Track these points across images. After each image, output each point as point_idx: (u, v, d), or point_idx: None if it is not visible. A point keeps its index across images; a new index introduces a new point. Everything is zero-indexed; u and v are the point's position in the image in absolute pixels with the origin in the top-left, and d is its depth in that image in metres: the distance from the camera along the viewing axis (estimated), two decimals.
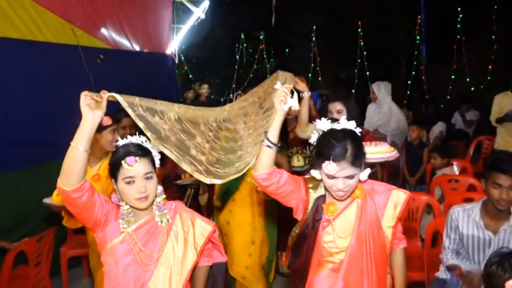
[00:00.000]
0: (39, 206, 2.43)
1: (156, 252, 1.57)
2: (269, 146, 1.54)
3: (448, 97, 8.26)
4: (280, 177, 1.60)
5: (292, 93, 1.57)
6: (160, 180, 1.66)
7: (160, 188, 1.62)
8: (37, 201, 2.47)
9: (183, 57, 6.56)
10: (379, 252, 1.61)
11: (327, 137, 1.57)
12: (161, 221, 1.60)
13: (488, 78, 7.78)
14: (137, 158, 1.52)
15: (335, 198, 1.61)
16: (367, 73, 8.47)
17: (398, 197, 1.63)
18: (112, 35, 4.13)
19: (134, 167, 1.51)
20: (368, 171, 1.59)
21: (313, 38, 8.64)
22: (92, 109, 1.39)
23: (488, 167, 2.04)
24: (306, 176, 1.72)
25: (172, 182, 3.27)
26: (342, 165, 1.49)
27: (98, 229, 1.55)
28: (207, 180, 1.58)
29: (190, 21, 5.50)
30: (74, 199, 1.43)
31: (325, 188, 1.64)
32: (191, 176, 2.94)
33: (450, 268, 2.17)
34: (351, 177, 1.53)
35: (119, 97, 1.44)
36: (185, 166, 1.53)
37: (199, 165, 1.61)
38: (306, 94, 2.60)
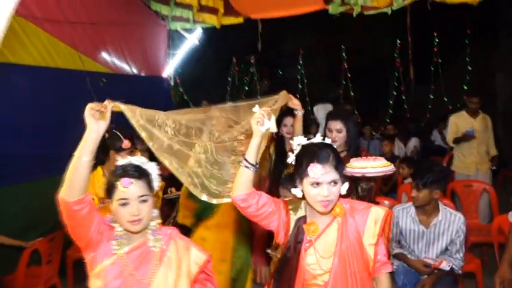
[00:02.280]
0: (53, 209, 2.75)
1: (147, 278, 1.51)
2: (247, 167, 1.54)
3: (428, 115, 8.76)
4: (259, 199, 1.58)
5: (269, 116, 1.59)
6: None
7: (156, 212, 1.58)
8: (47, 208, 2.77)
9: (178, 80, 7.01)
10: (363, 271, 1.58)
11: (308, 147, 1.60)
12: (154, 246, 1.55)
13: (465, 97, 8.27)
14: (132, 180, 1.49)
15: (318, 212, 1.59)
16: (351, 93, 8.94)
17: (377, 214, 1.62)
18: (113, 60, 4.58)
19: (129, 189, 1.48)
20: (347, 185, 1.59)
21: (300, 61, 9.13)
22: (96, 120, 1.40)
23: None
24: (286, 199, 1.73)
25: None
26: (326, 168, 1.51)
27: (90, 249, 1.50)
28: (202, 196, 1.61)
29: (185, 47, 5.97)
30: (74, 212, 1.41)
31: (307, 206, 1.64)
32: (177, 190, 3.11)
33: (396, 256, 2.60)
34: (334, 183, 1.53)
35: (123, 106, 1.48)
36: (183, 178, 1.56)
37: (196, 177, 1.65)
38: (300, 112, 2.56)
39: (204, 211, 2.90)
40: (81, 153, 1.39)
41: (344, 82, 9.45)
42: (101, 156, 2.72)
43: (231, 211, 2.82)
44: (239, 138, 2.05)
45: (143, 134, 1.52)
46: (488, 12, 7.84)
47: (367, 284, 1.59)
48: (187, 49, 5.99)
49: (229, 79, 9.28)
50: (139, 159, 1.58)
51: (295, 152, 1.63)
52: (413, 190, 2.53)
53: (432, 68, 8.89)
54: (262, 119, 1.56)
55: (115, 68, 4.57)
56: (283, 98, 2.24)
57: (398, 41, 9.46)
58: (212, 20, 4.91)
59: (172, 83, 6.00)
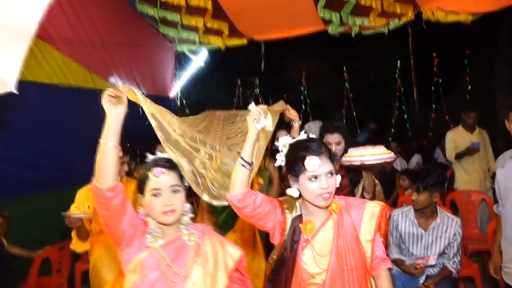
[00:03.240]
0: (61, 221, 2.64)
1: (185, 270, 1.48)
2: (243, 165, 1.52)
3: (430, 134, 8.88)
4: (255, 198, 1.57)
5: (266, 114, 1.58)
6: None
7: (188, 206, 1.56)
8: (56, 219, 2.73)
9: (184, 100, 7.22)
10: (360, 269, 1.56)
11: (298, 143, 1.60)
12: (189, 240, 1.53)
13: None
14: (164, 170, 1.49)
15: (318, 207, 1.57)
16: (354, 114, 9.11)
17: (373, 209, 1.60)
18: (123, 80, 4.79)
19: (161, 179, 1.48)
20: (339, 177, 1.58)
21: (303, 83, 9.35)
22: (114, 104, 1.40)
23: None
24: (280, 198, 1.71)
25: None
26: (322, 159, 1.51)
27: (124, 244, 1.48)
28: (203, 196, 1.61)
29: (191, 68, 6.20)
30: (107, 199, 1.39)
31: (302, 205, 1.63)
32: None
33: (394, 262, 2.65)
34: (331, 174, 1.53)
35: (137, 91, 1.48)
36: (187, 174, 1.55)
37: (200, 177, 1.64)
38: (297, 123, 2.52)
39: (221, 228, 2.88)
40: (106, 139, 1.39)
41: (347, 103, 9.64)
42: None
43: (249, 229, 2.90)
44: (236, 142, 2.03)
45: (153, 122, 1.52)
46: (487, 31, 8.07)
47: (364, 281, 1.57)
48: (193, 70, 6.22)
49: (235, 100, 9.50)
50: (171, 156, 1.58)
51: (283, 152, 1.62)
52: (413, 193, 2.63)
53: (433, 88, 9.07)
54: (258, 116, 1.54)
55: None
56: (280, 105, 2.26)
57: (399, 63, 9.70)
58: (217, 42, 5.12)
59: (178, 103, 6.20)
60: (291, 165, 1.58)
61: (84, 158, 2.81)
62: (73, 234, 2.68)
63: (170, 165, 1.53)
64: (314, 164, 1.50)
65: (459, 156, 4.49)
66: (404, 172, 4.38)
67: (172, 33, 5.03)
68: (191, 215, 1.58)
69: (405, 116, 9.46)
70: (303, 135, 1.64)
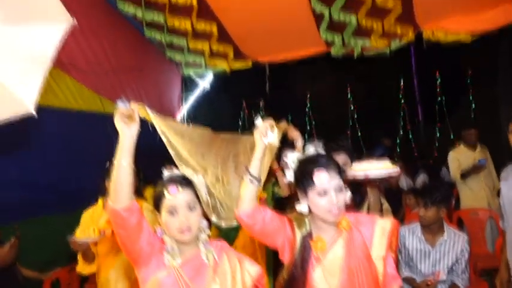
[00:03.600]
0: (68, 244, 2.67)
1: None
2: (251, 181, 1.51)
3: (436, 154, 8.89)
4: (265, 215, 1.55)
5: (272, 128, 1.57)
6: None
7: (205, 223, 1.55)
8: (64, 242, 2.71)
9: (190, 123, 7.32)
10: (372, 287, 1.52)
11: (307, 158, 1.59)
12: (208, 259, 1.52)
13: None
14: (179, 187, 1.49)
15: (328, 223, 1.56)
16: (359, 134, 9.17)
17: (384, 225, 1.58)
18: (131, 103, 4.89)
19: (176, 197, 1.47)
20: (349, 193, 1.56)
21: (308, 104, 9.47)
22: (127, 124, 1.40)
23: None
24: (289, 215, 1.68)
25: None
26: (331, 173, 1.50)
27: (141, 262, 1.48)
28: (212, 216, 1.63)
29: (197, 91, 6.32)
30: (124, 219, 1.39)
31: (312, 222, 1.61)
32: None
33: (405, 280, 2.66)
34: (340, 189, 1.51)
35: (148, 110, 1.50)
36: (199, 192, 1.54)
37: (210, 196, 1.65)
38: (300, 143, 2.39)
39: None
40: (120, 159, 1.39)
41: (352, 124, 9.72)
42: (103, 186, 2.71)
43: (250, 246, 2.91)
44: (239, 161, 2.00)
45: (164, 139, 1.55)
46: (488, 51, 8.16)
47: None
48: (199, 93, 6.35)
49: (240, 123, 9.61)
50: (185, 171, 1.59)
51: (292, 168, 1.61)
52: (421, 209, 2.63)
53: (437, 107, 9.14)
54: (265, 131, 1.54)
55: None
56: (282, 125, 2.21)
57: (402, 82, 9.80)
58: (223, 65, 5.25)
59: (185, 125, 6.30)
60: (299, 181, 1.57)
61: (92, 181, 2.90)
62: (79, 256, 2.70)
63: (185, 182, 1.53)
64: (323, 178, 1.49)
65: (465, 175, 4.43)
66: (411, 191, 4.38)
67: (178, 57, 5.17)
68: (208, 232, 1.56)
69: (410, 136, 9.50)
70: (311, 150, 1.63)
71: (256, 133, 1.56)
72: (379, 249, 1.54)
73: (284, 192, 3.10)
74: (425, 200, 2.62)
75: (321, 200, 1.50)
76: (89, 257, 2.65)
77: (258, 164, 1.55)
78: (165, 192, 1.49)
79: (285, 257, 1.62)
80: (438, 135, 9.05)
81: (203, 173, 1.71)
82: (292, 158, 1.64)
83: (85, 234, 2.53)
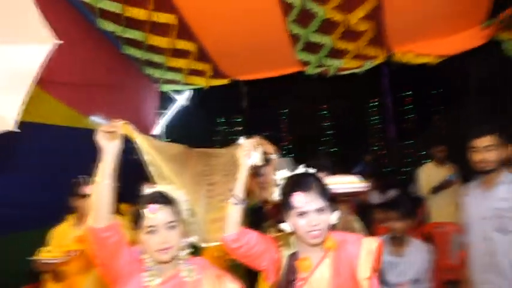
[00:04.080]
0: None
1: None
2: (236, 203, 1.51)
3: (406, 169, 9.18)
4: (250, 238, 1.53)
5: (256, 147, 1.57)
6: None
7: (186, 241, 1.53)
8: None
9: (167, 138, 7.33)
10: None
11: (290, 178, 1.57)
12: (189, 276, 1.49)
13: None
14: (159, 206, 1.45)
15: (309, 245, 1.52)
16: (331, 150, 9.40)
17: (369, 245, 1.54)
18: (108, 119, 4.87)
19: (156, 216, 1.44)
20: (338, 213, 1.54)
21: (284, 120, 9.64)
22: (109, 140, 1.42)
23: None
24: (274, 235, 1.68)
25: None
26: (311, 196, 1.47)
27: (120, 282, 1.44)
28: (191, 237, 1.59)
29: (175, 107, 6.35)
30: (103, 239, 1.36)
31: (298, 241, 1.57)
32: None
33: None
34: (321, 210, 1.48)
35: (130, 128, 1.53)
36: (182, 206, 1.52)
37: (192, 216, 1.62)
38: (273, 156, 2.40)
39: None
40: (101, 176, 1.38)
41: (326, 140, 9.95)
42: (71, 203, 2.76)
43: (217, 258, 2.77)
44: (212, 181, 1.99)
45: (147, 158, 1.56)
46: (457, 73, 8.55)
47: None
48: (177, 109, 6.38)
49: (217, 138, 9.68)
50: (165, 187, 1.56)
51: (280, 186, 1.59)
52: (390, 222, 2.73)
53: (408, 125, 9.49)
54: (249, 151, 1.54)
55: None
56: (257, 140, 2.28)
57: (376, 102, 10.12)
58: (201, 82, 5.32)
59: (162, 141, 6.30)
60: (282, 201, 1.55)
61: (63, 197, 2.87)
62: (48, 276, 2.63)
63: (166, 200, 1.49)
64: (300, 200, 1.46)
65: (435, 191, 4.54)
66: (380, 205, 4.52)
67: (157, 74, 5.21)
68: (189, 250, 1.54)
69: (383, 152, 9.80)
70: (301, 169, 1.59)
71: (240, 153, 1.55)
72: (364, 270, 1.50)
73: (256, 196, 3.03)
74: (395, 211, 2.72)
75: (300, 221, 1.48)
76: (59, 276, 2.60)
77: (243, 186, 1.53)
78: (145, 211, 1.45)
79: (270, 279, 1.59)
80: (409, 151, 9.39)
81: (185, 191, 1.69)
82: (280, 176, 1.60)
83: (51, 255, 2.46)
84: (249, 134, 1.72)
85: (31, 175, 3.70)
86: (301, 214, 1.47)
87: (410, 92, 9.69)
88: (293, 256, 1.57)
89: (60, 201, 2.93)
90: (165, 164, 1.69)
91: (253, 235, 1.55)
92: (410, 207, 2.73)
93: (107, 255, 1.42)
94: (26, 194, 3.65)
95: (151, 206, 1.45)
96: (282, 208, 1.56)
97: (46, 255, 2.47)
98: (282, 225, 1.55)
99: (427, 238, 4.19)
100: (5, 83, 1.29)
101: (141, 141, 1.59)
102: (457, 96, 9.75)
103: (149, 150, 1.61)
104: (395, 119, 10.84)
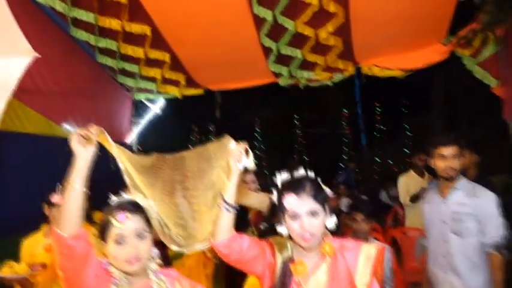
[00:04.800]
0: None
1: None
2: (227, 209, 1.47)
3: (376, 177, 9.48)
4: (242, 243, 1.50)
5: (247, 152, 1.53)
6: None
7: (156, 252, 1.47)
8: None
9: (140, 148, 7.31)
10: None
11: (286, 180, 1.55)
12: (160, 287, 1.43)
13: (407, 160, 9.14)
14: (128, 214, 1.39)
15: (303, 248, 1.51)
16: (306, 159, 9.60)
17: (369, 251, 1.51)
18: (80, 127, 4.85)
19: (125, 225, 1.38)
20: (334, 218, 1.52)
21: (257, 130, 9.78)
22: (83, 145, 1.36)
23: None
24: (270, 238, 1.64)
25: None
26: (303, 198, 1.45)
27: None
28: (170, 245, 1.57)
29: (148, 116, 6.37)
30: (70, 248, 1.29)
31: (293, 245, 1.56)
32: None
33: None
34: (314, 213, 1.46)
35: (106, 136, 1.49)
36: (154, 222, 1.49)
37: (165, 227, 1.58)
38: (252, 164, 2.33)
39: (174, 258, 2.95)
40: (73, 181, 1.32)
41: (299, 149, 10.16)
42: (46, 211, 2.69)
43: (202, 256, 2.98)
44: (187, 185, 1.89)
45: (121, 166, 1.51)
46: (423, 86, 8.96)
47: None
48: (150, 118, 6.39)
49: (190, 147, 9.72)
50: (136, 196, 1.50)
51: (276, 189, 1.58)
52: (354, 223, 2.80)
53: (377, 135, 9.83)
54: (240, 156, 1.50)
55: None
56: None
57: (346, 111, 10.43)
58: (174, 91, 5.38)
59: (135, 149, 6.29)
60: (277, 203, 1.55)
61: (34, 206, 2.86)
62: (17, 287, 2.58)
63: (135, 208, 1.43)
64: (291, 202, 1.46)
65: (413, 200, 4.58)
66: (349, 211, 4.69)
67: (130, 83, 5.24)
68: (159, 261, 1.48)
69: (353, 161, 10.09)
70: (300, 172, 1.57)
71: (231, 158, 1.52)
72: (363, 276, 1.47)
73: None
74: (359, 214, 2.81)
75: (293, 224, 1.47)
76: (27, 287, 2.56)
77: (234, 191, 1.50)
78: (113, 220, 1.38)
79: (265, 284, 1.56)
80: (378, 160, 9.73)
81: (155, 203, 1.62)
82: (280, 178, 1.58)
83: (12, 271, 2.42)
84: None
85: (4, 183, 3.66)
86: (294, 216, 1.46)
87: (379, 103, 10.05)
88: (289, 261, 1.54)
89: (35, 210, 2.91)
90: (137, 176, 1.63)
91: (245, 240, 1.52)
92: (371, 210, 2.85)
93: (72, 267, 1.33)
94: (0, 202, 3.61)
95: (120, 214, 1.39)
96: (278, 210, 1.54)
97: (7, 271, 2.42)
98: (279, 228, 1.54)
99: (393, 243, 4.38)
100: None
101: (115, 150, 1.54)
102: (423, 107, 10.20)
103: (123, 159, 1.56)
104: (365, 129, 11.26)
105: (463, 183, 2.56)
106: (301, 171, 1.57)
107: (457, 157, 2.50)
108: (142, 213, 1.45)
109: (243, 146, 1.54)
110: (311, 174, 1.56)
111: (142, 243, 1.40)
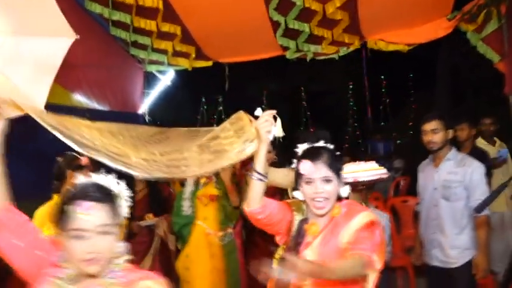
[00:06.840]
0: None
1: None
2: (260, 179, 1.52)
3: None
4: (272, 208, 1.59)
5: (275, 119, 1.51)
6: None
7: (122, 246, 1.25)
8: None
9: (151, 118, 7.54)
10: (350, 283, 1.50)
11: (305, 149, 1.63)
12: None
13: (410, 132, 9.32)
14: (92, 204, 1.15)
15: (316, 213, 1.56)
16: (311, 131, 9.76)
17: (362, 218, 1.55)
18: (96, 98, 5.08)
19: (87, 217, 1.14)
20: (348, 188, 1.56)
21: (264, 101, 9.93)
22: None
23: None
24: (288, 200, 1.74)
25: (139, 225, 3.22)
26: (318, 165, 1.51)
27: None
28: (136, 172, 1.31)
29: (159, 87, 6.56)
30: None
31: (308, 208, 1.61)
32: (154, 216, 3.29)
33: None
34: (328, 180, 1.52)
35: (20, 103, 1.30)
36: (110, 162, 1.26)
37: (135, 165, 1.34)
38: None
39: (179, 238, 3.16)
40: None
41: (305, 121, 10.32)
42: (56, 182, 2.55)
43: (207, 235, 3.09)
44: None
45: (57, 134, 1.24)
46: (428, 59, 8.99)
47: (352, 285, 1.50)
48: (161, 89, 6.59)
49: (199, 117, 9.92)
50: (104, 178, 1.25)
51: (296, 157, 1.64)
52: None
53: (382, 108, 9.94)
54: (269, 125, 1.49)
55: (97, 104, 5.08)
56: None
57: (351, 85, 10.51)
58: (184, 63, 5.55)
59: (147, 119, 6.52)
60: (295, 169, 1.63)
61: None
62: None
63: (102, 196, 1.18)
64: (306, 168, 1.53)
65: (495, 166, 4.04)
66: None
67: (142, 55, 5.40)
68: (126, 257, 1.26)
69: (358, 133, 10.26)
70: (320, 143, 1.63)
71: (261, 128, 1.49)
72: (345, 236, 1.52)
73: (234, 203, 3.17)
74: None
75: (307, 188, 1.55)
76: None
77: (263, 161, 1.53)
78: (73, 210, 1.15)
79: (281, 240, 1.67)
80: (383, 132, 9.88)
81: (130, 153, 1.41)
82: (301, 148, 1.65)
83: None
84: (229, 113, 1.72)
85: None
86: (308, 182, 1.53)
87: (384, 77, 10.10)
88: (304, 221, 1.63)
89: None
90: (89, 136, 1.39)
91: (274, 205, 1.62)
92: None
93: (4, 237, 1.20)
94: None
95: (83, 204, 1.15)
96: (296, 177, 1.61)
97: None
98: (294, 193, 1.61)
99: (393, 211, 4.65)
100: (32, 72, 1.53)
101: (39, 115, 1.30)
102: (428, 82, 10.25)
103: (58, 126, 1.29)
104: (371, 102, 11.32)
105: (454, 154, 2.79)
106: (321, 143, 1.63)
107: (437, 132, 2.76)
108: (110, 202, 1.20)
109: (271, 112, 1.52)
110: (329, 145, 1.63)
111: (105, 240, 1.17)
